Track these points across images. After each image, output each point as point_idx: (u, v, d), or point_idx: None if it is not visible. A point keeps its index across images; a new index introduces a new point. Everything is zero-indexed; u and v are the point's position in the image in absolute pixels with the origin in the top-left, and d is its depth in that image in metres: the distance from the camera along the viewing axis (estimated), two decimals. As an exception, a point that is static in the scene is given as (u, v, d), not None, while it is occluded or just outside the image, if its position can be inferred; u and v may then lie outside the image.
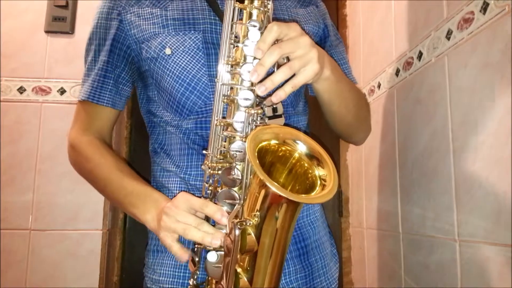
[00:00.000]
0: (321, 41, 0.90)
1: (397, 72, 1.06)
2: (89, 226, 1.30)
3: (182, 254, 0.63)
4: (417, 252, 0.91)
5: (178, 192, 0.77)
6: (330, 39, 0.90)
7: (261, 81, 0.62)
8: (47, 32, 1.37)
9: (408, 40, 1.00)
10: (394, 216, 1.04)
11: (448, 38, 0.81)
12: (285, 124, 0.80)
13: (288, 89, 0.63)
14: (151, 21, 0.79)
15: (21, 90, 1.34)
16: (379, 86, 1.19)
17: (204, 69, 0.76)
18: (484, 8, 0.70)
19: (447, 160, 0.80)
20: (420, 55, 0.93)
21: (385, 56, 1.15)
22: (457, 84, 0.78)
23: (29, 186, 1.30)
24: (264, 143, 0.61)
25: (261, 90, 0.61)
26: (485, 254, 0.68)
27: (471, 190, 0.72)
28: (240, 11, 0.65)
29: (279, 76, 0.61)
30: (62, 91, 1.35)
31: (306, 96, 0.91)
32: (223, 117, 0.66)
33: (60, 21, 1.37)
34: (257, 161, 0.56)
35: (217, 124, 0.65)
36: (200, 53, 0.76)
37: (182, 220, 0.63)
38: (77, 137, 0.82)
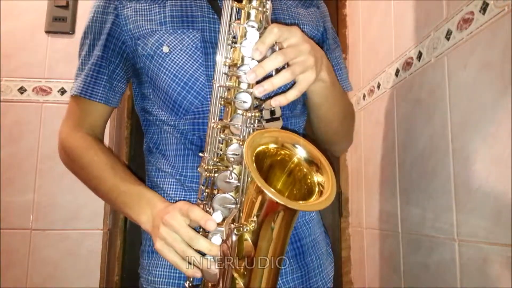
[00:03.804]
0: (319, 45, 0.90)
1: (397, 72, 1.06)
2: (90, 226, 1.30)
3: (195, 273, 0.63)
4: (417, 252, 0.91)
5: (173, 193, 0.76)
6: (328, 42, 0.90)
7: (259, 82, 0.60)
8: (47, 32, 1.37)
9: (407, 40, 1.00)
10: (393, 216, 1.04)
11: (448, 38, 0.81)
12: (284, 128, 0.80)
13: (291, 96, 0.61)
14: (148, 17, 0.77)
15: (22, 90, 1.34)
16: (378, 86, 1.19)
17: (201, 68, 0.75)
18: (484, 8, 0.70)
19: (446, 160, 0.80)
20: (419, 55, 0.93)
21: (384, 56, 1.15)
22: (456, 84, 0.78)
23: (29, 186, 1.30)
24: (262, 147, 0.60)
25: (259, 91, 0.59)
26: (485, 254, 0.68)
27: (470, 190, 0.72)
28: (238, 10, 0.64)
29: (280, 79, 0.60)
30: (62, 91, 1.35)
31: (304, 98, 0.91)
32: (220, 119, 0.65)
33: (61, 21, 1.37)
34: (255, 166, 0.55)
35: (214, 126, 0.64)
36: (198, 52, 0.75)
37: (179, 240, 0.62)
38: (69, 133, 0.81)
